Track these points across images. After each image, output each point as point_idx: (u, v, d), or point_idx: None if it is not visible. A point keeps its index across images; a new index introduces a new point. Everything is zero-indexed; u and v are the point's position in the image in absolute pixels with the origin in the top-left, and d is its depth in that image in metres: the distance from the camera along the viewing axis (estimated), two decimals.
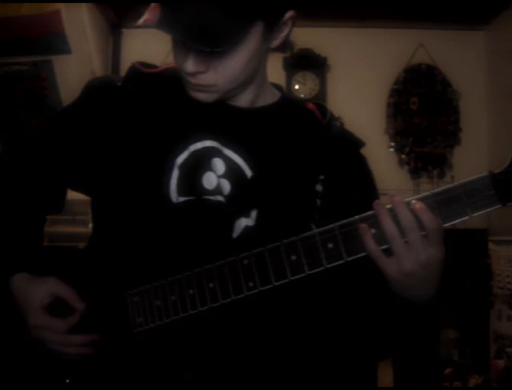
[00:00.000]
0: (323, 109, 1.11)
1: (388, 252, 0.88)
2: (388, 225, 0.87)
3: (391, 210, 0.87)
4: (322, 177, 1.04)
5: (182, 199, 1.00)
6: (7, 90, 3.15)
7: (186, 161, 1.01)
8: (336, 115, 1.12)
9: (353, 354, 1.10)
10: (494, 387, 2.96)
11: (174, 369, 0.98)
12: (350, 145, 1.10)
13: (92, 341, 1.02)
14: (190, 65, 0.93)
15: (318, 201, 1.03)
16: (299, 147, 1.05)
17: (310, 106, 1.12)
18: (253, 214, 1.00)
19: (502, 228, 3.12)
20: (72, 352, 1.03)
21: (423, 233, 0.86)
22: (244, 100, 1.05)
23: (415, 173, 3.52)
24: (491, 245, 3.25)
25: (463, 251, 3.18)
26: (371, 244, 0.88)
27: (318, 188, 1.04)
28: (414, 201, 0.87)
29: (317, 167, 1.04)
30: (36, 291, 1.04)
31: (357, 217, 0.89)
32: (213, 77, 0.96)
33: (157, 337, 0.98)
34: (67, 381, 1.04)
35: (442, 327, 3.12)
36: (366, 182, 1.10)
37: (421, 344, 1.00)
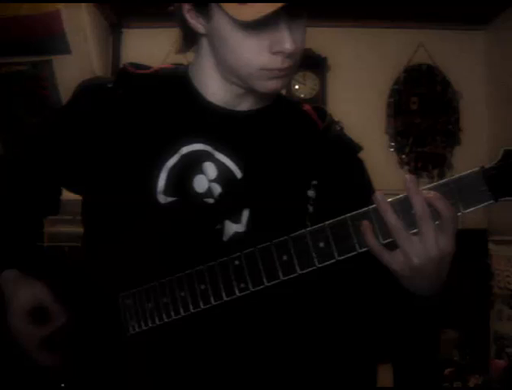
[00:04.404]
0: (321, 112, 1.10)
1: (391, 245, 0.86)
2: (391, 218, 0.84)
3: (400, 201, 0.85)
4: (315, 182, 1.03)
5: (170, 200, 1.00)
6: (7, 90, 3.15)
7: (176, 164, 1.01)
8: (336, 119, 1.10)
9: (356, 353, 1.09)
10: (494, 387, 2.96)
11: (169, 372, 0.98)
12: (347, 149, 1.08)
13: (56, 365, 1.03)
14: (290, 43, 0.93)
15: (311, 208, 1.02)
16: (292, 151, 1.04)
17: (307, 108, 1.10)
18: (243, 219, 1.00)
19: (502, 228, 3.11)
20: (41, 363, 1.04)
21: (437, 223, 0.83)
22: (249, 102, 1.05)
23: (415, 173, 3.51)
24: (491, 245, 3.24)
25: (463, 251, 3.17)
26: (371, 241, 0.85)
27: (311, 193, 1.03)
28: (425, 191, 0.84)
29: (310, 172, 1.03)
30: (22, 292, 1.04)
31: (348, 215, 0.88)
32: (296, 57, 0.97)
33: (151, 340, 0.98)
34: (62, 385, 1.04)
35: (442, 327, 3.12)
36: (363, 187, 1.08)
37: (423, 341, 0.98)
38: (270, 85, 0.98)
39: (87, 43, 3.15)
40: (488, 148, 3.42)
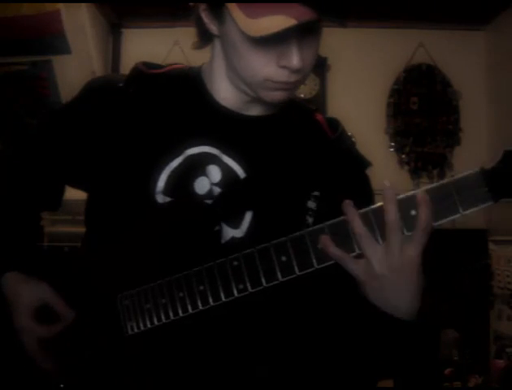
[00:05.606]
0: (333, 123, 1.09)
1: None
2: (358, 226, 0.85)
3: (372, 211, 0.85)
4: (317, 193, 1.02)
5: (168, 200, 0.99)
6: (7, 90, 3.16)
7: (180, 165, 1.00)
8: (349, 133, 1.09)
9: (354, 359, 1.08)
10: (494, 387, 2.96)
11: (167, 372, 0.98)
12: (355, 164, 1.07)
13: (56, 368, 1.02)
14: (297, 60, 0.91)
15: (310, 219, 1.01)
16: (297, 159, 1.03)
17: (319, 117, 1.09)
18: (243, 226, 0.99)
19: (502, 228, 3.12)
20: (42, 366, 1.03)
21: (408, 234, 0.83)
22: (259, 108, 1.05)
23: (415, 173, 3.52)
24: (491, 245, 3.25)
25: (463, 251, 3.18)
26: (330, 248, 0.86)
27: (311, 204, 1.02)
28: (420, 191, 0.83)
29: (313, 182, 1.02)
30: (27, 293, 1.04)
31: (343, 217, 0.87)
32: (304, 71, 0.95)
33: (149, 341, 0.98)
34: (61, 386, 1.04)
35: (442, 327, 3.12)
36: (365, 204, 1.07)
37: (416, 361, 0.95)
38: (274, 96, 0.97)
39: (87, 43, 3.15)
40: (488, 148, 3.43)
